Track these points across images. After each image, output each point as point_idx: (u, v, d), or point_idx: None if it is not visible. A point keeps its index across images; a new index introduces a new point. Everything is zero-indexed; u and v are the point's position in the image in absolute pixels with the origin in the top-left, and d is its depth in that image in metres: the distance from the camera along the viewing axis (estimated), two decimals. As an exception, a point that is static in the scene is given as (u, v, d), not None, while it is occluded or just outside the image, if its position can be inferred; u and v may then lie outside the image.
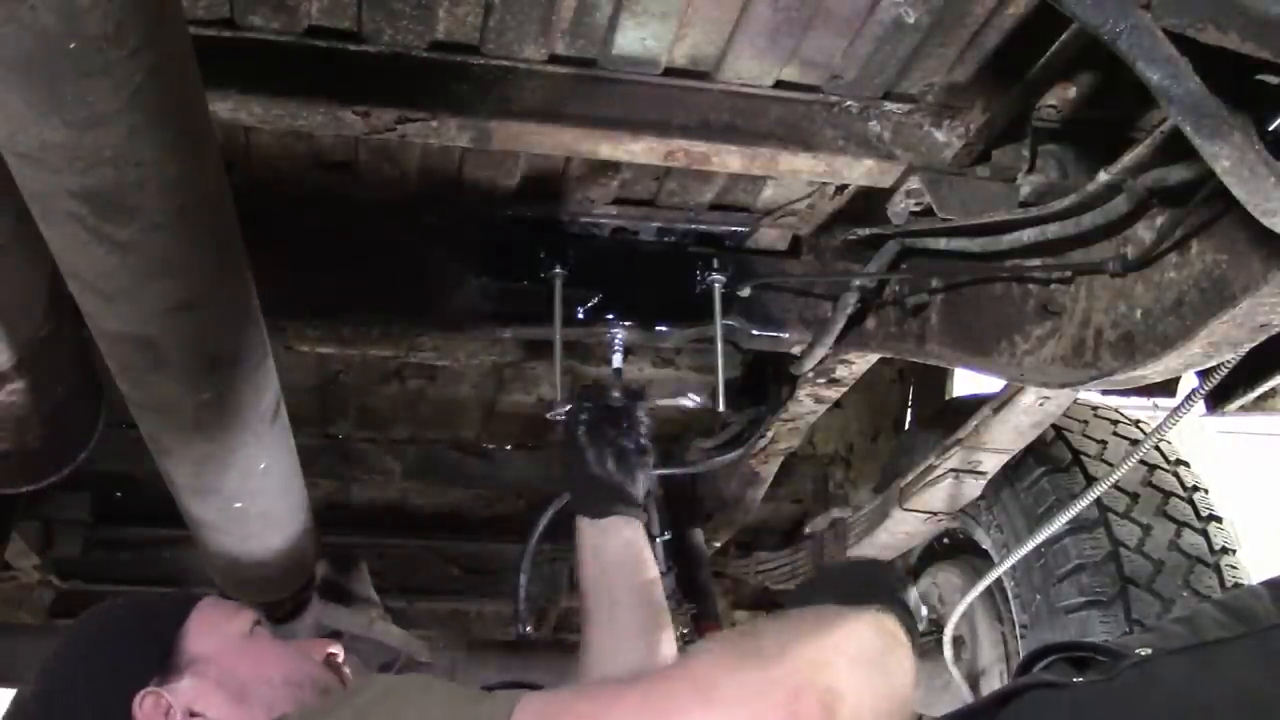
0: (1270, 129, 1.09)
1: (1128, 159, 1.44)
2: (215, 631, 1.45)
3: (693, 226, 2.32)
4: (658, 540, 2.25)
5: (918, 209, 1.98)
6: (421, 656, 3.05)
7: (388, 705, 1.14)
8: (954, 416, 2.64)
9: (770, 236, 2.40)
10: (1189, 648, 1.14)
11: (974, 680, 2.89)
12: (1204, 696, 1.09)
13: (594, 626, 1.78)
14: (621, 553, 1.82)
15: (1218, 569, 2.52)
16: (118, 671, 1.40)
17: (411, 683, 1.19)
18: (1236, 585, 2.50)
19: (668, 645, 1.77)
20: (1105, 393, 2.27)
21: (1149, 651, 1.14)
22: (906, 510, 2.74)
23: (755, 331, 2.40)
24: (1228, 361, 1.67)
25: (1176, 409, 1.95)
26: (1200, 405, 1.91)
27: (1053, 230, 1.62)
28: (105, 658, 1.41)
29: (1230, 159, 1.06)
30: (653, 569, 1.83)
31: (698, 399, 2.31)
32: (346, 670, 1.53)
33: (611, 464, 1.90)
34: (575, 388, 2.21)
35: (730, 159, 1.92)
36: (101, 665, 1.40)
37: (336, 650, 1.54)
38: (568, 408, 2.03)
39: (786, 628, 1.13)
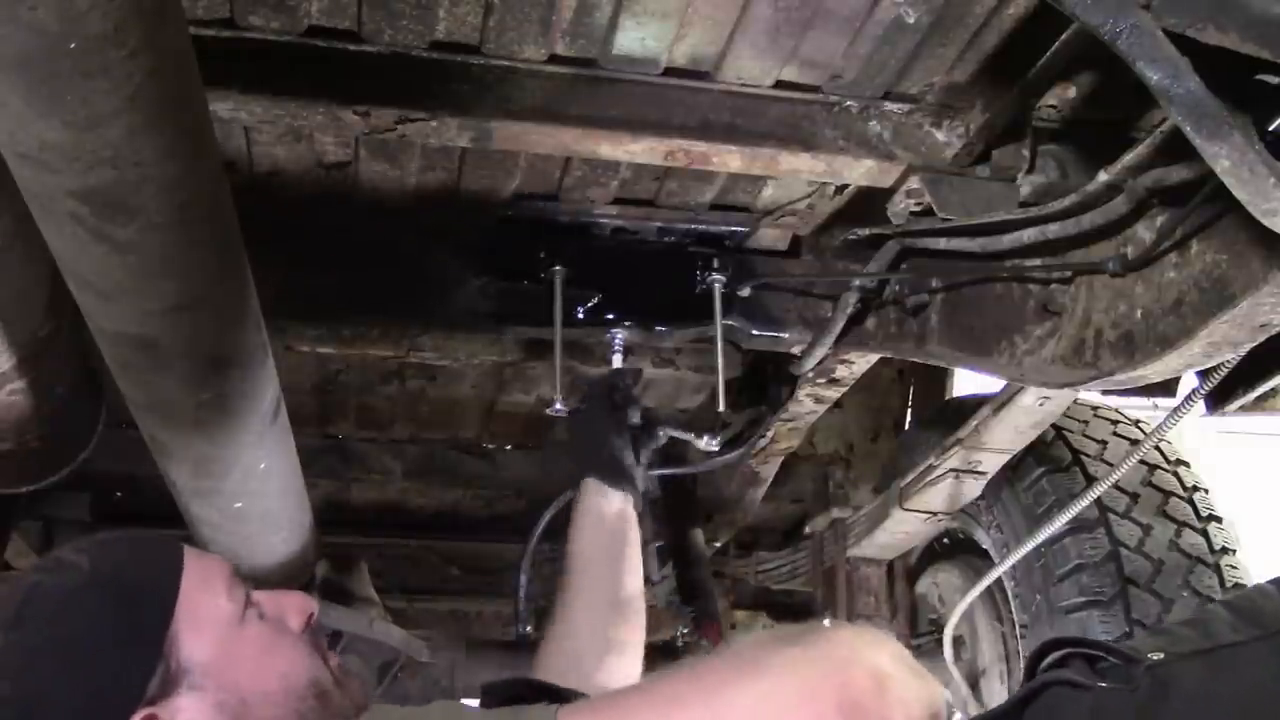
0: (1270, 129, 1.09)
1: (1128, 159, 1.44)
2: (210, 626, 1.26)
3: (693, 226, 2.32)
4: (650, 546, 2.26)
5: (918, 209, 1.98)
6: (421, 656, 3.04)
7: None
8: (954, 416, 2.64)
9: (770, 236, 2.40)
10: (1201, 651, 1.12)
11: (974, 680, 2.89)
12: (1221, 702, 1.08)
13: (572, 590, 1.78)
14: (620, 523, 1.87)
15: (1218, 569, 2.52)
16: (110, 689, 1.19)
17: (434, 711, 1.14)
18: (1236, 585, 2.50)
19: (639, 619, 1.79)
20: (1105, 393, 2.27)
21: (1161, 656, 1.13)
22: (906, 510, 2.75)
23: (755, 331, 2.40)
24: (1228, 361, 1.67)
25: (1176, 409, 1.95)
26: (1200, 405, 1.91)
27: (1053, 230, 1.61)
28: (94, 669, 1.19)
29: (1230, 159, 1.06)
30: (637, 553, 1.87)
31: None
32: (335, 656, 1.42)
33: (630, 453, 1.97)
34: (603, 374, 2.26)
35: (730, 159, 1.92)
36: (91, 679, 1.19)
37: (314, 610, 1.38)
38: (595, 386, 2.11)
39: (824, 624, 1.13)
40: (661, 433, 2.09)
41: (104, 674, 1.19)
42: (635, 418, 2.05)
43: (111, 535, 1.33)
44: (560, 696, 1.28)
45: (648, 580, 2.10)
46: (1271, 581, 1.22)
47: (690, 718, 1.01)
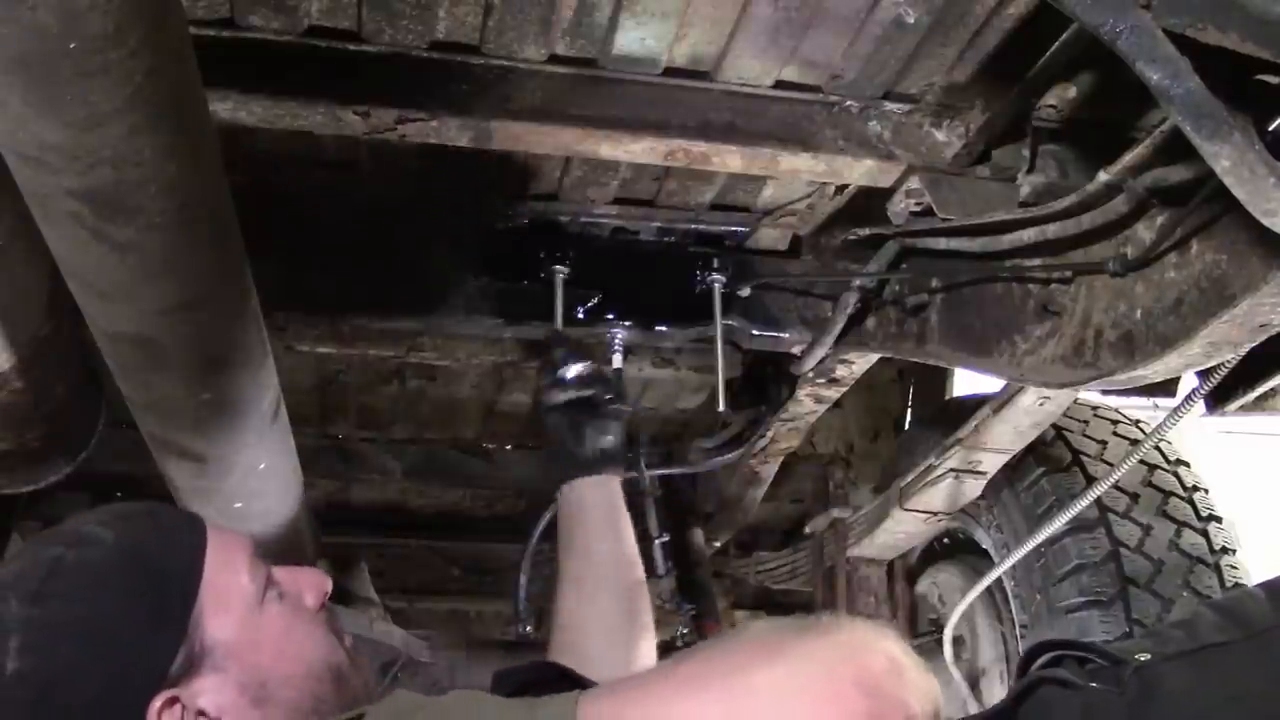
0: (1270, 129, 1.09)
1: (1128, 159, 1.44)
2: (233, 607, 1.22)
3: (693, 226, 2.32)
4: (656, 542, 2.25)
5: (918, 209, 1.98)
6: (421, 656, 3.04)
7: None
8: (954, 416, 2.64)
9: (770, 236, 2.40)
10: (1187, 652, 1.13)
11: (974, 680, 2.89)
12: (1206, 703, 1.08)
13: (566, 583, 1.75)
14: (580, 513, 1.83)
15: (1218, 569, 2.52)
16: (133, 669, 1.16)
17: (457, 700, 1.10)
18: (1236, 585, 2.50)
19: (643, 600, 1.76)
20: (1105, 393, 2.27)
21: (1148, 658, 1.13)
22: (906, 510, 2.75)
23: (755, 331, 2.40)
24: (1228, 361, 1.67)
25: (1176, 409, 1.95)
26: (1200, 405, 1.91)
27: (1053, 230, 1.61)
28: (118, 649, 1.15)
29: (1230, 159, 1.06)
30: (618, 526, 1.82)
31: None
32: (349, 636, 1.36)
33: (564, 430, 1.91)
34: (549, 361, 2.14)
35: (730, 159, 1.92)
36: (114, 660, 1.15)
37: (329, 587, 1.35)
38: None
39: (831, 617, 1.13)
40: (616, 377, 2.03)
41: (128, 654, 1.16)
42: (603, 393, 1.96)
43: (132, 507, 1.30)
44: (576, 682, 1.27)
45: (653, 574, 2.09)
46: (1259, 585, 1.23)
47: (711, 699, 1.00)
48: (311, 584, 1.33)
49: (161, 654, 1.17)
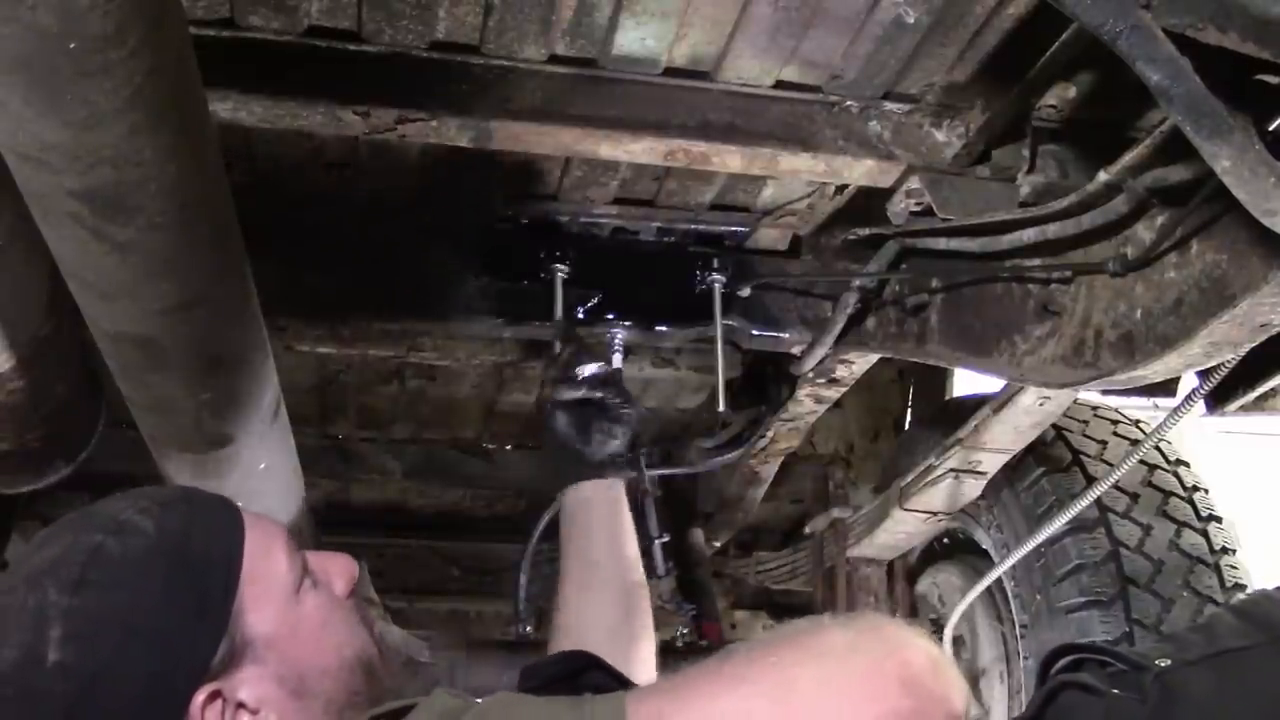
0: (1270, 129, 1.09)
1: (1128, 159, 1.44)
2: (272, 597, 1.20)
3: (693, 226, 2.33)
4: (656, 542, 2.25)
5: (918, 209, 1.98)
6: (421, 656, 3.03)
7: None
8: (954, 416, 2.64)
9: (770, 236, 2.40)
10: (1208, 657, 1.12)
11: (974, 680, 2.88)
12: (1229, 708, 1.08)
13: (567, 584, 1.75)
14: (583, 514, 1.81)
15: (1218, 569, 2.52)
16: (177, 662, 1.12)
17: (497, 703, 1.09)
18: (1236, 585, 2.50)
19: (644, 602, 1.75)
20: (1105, 393, 2.27)
21: (1168, 663, 1.13)
22: (906, 510, 2.74)
23: (755, 331, 2.40)
24: (1228, 361, 1.67)
25: (1176, 409, 1.95)
26: (1200, 405, 1.91)
27: (1053, 230, 1.62)
28: (162, 642, 1.12)
29: (1230, 159, 1.06)
30: (621, 528, 1.80)
31: None
32: (377, 623, 1.34)
33: (571, 430, 1.87)
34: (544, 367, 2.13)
35: (730, 159, 1.92)
36: (158, 652, 1.11)
37: (356, 573, 1.32)
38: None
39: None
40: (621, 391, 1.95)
41: (172, 647, 1.13)
42: (613, 395, 1.91)
43: (168, 494, 1.27)
44: (608, 671, 1.27)
45: (653, 574, 2.08)
46: (1279, 588, 1.23)
47: (757, 696, 1.01)
48: (341, 570, 1.31)
49: (204, 646, 1.14)
